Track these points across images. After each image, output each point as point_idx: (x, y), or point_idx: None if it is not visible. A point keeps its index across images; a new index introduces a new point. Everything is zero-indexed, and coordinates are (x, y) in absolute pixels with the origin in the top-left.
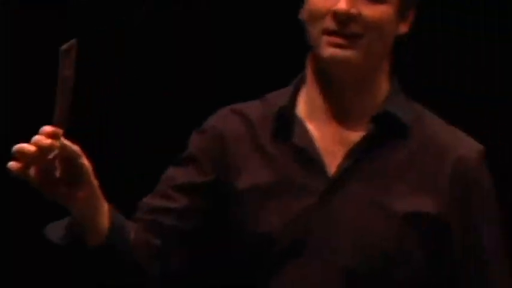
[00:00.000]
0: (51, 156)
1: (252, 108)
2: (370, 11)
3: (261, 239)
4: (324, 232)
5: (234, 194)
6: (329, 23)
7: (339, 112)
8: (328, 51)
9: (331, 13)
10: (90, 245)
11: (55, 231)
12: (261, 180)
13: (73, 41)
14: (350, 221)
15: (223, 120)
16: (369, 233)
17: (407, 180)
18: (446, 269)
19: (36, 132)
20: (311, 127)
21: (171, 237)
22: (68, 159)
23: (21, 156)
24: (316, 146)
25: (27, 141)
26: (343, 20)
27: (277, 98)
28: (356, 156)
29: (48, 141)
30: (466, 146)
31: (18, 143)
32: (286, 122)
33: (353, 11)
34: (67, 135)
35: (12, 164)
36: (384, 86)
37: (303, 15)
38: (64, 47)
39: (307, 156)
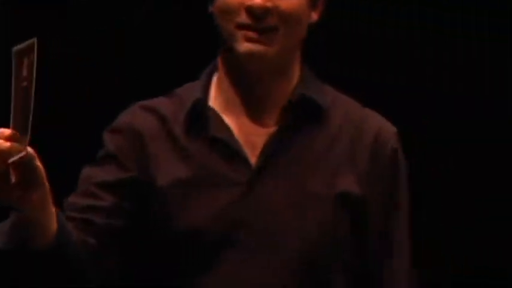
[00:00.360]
0: (12, 160)
1: (163, 104)
2: (285, 4)
3: (189, 233)
4: (252, 223)
5: (155, 191)
6: (244, 18)
7: (254, 103)
8: (244, 46)
9: (246, 7)
10: (39, 248)
11: None
12: (181, 175)
13: (32, 41)
14: (276, 210)
15: (136, 117)
16: (296, 220)
17: (328, 163)
18: (366, 251)
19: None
20: (227, 119)
21: (104, 235)
22: (23, 162)
23: None
24: (235, 137)
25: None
26: (259, 14)
27: (188, 91)
28: (276, 144)
29: (7, 144)
30: (383, 125)
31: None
32: (201, 115)
33: (268, 4)
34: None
35: None
36: (297, 73)
37: (214, 9)
38: (18, 47)
39: (228, 148)
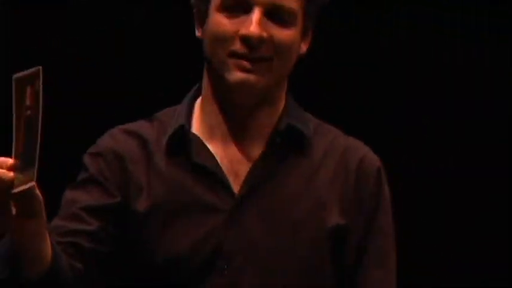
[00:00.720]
0: (18, 190)
1: (143, 128)
2: (280, 35)
3: (170, 259)
4: (233, 251)
5: (136, 216)
6: (238, 46)
7: (239, 130)
8: (235, 76)
9: (241, 36)
10: (34, 275)
11: None
12: (162, 201)
13: (36, 69)
14: (258, 239)
15: (117, 141)
16: (278, 249)
17: (312, 193)
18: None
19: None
20: (210, 146)
21: (91, 259)
22: (26, 192)
23: None
24: (218, 165)
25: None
26: (255, 43)
27: (170, 117)
28: (259, 173)
29: (10, 174)
30: (366, 154)
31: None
32: (183, 141)
33: (264, 34)
34: None
35: None
36: (282, 102)
37: (204, 34)
38: (19, 74)
39: (211, 175)
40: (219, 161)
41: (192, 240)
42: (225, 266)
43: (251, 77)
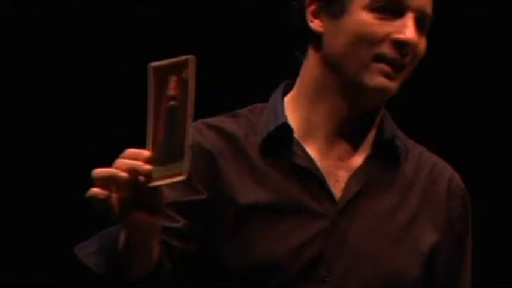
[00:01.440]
0: (159, 183)
1: (228, 123)
2: (421, 44)
3: (264, 263)
4: (332, 260)
5: (226, 216)
6: (388, 50)
7: (344, 134)
8: (378, 81)
9: (395, 40)
10: (138, 273)
11: (90, 257)
12: (259, 200)
13: (184, 59)
14: (358, 249)
15: (204, 136)
16: (378, 261)
17: (408, 206)
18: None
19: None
20: (308, 147)
21: (179, 259)
22: (157, 187)
23: (109, 182)
24: (319, 168)
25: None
26: (409, 50)
27: (256, 113)
28: (361, 179)
29: (148, 167)
30: (454, 174)
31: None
32: (281, 140)
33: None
34: None
35: (96, 192)
36: (381, 111)
37: (334, 30)
38: (157, 64)
39: (312, 178)
40: (318, 163)
41: (292, 244)
42: (323, 275)
43: (391, 84)
